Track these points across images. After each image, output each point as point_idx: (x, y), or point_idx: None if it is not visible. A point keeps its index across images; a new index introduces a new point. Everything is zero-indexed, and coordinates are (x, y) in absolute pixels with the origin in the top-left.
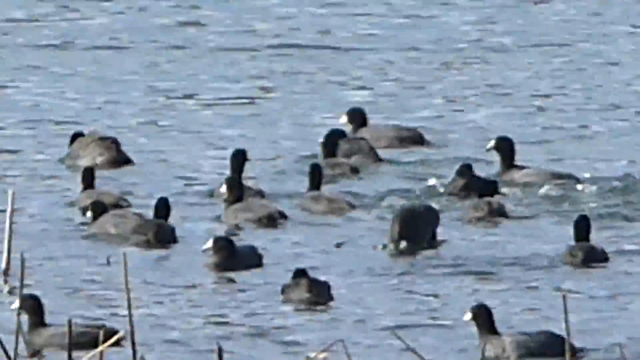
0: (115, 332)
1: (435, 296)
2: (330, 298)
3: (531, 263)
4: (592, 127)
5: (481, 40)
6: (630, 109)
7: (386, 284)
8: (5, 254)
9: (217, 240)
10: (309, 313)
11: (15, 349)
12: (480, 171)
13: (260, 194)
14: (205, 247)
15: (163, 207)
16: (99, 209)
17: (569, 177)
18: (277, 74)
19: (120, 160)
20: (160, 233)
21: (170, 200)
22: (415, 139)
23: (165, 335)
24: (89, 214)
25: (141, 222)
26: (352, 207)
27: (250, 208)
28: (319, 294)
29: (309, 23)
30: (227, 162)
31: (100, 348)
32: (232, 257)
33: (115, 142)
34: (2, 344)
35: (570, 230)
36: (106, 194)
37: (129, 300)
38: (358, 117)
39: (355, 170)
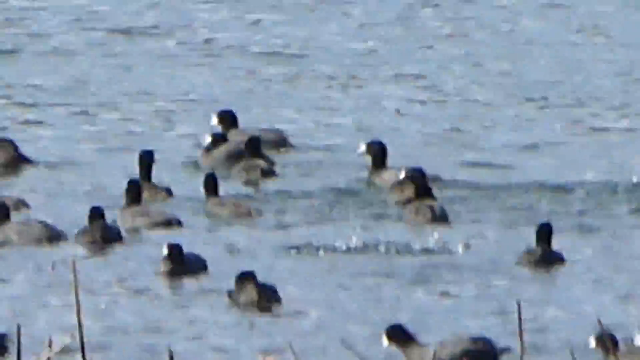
0: (4, 337)
1: (379, 301)
2: (279, 301)
3: (479, 267)
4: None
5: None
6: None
7: (329, 288)
8: None
9: (170, 247)
10: (257, 317)
11: None
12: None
13: (169, 192)
14: (164, 254)
15: (97, 215)
16: (1, 212)
17: (434, 178)
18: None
19: (19, 160)
20: (107, 233)
21: (69, 201)
22: (278, 141)
23: (115, 341)
24: None
25: (45, 229)
26: (258, 212)
27: (147, 212)
28: (269, 298)
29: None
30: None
31: (47, 354)
32: (183, 264)
33: (11, 143)
34: None
35: (515, 234)
36: (5, 198)
37: (78, 307)
38: (228, 119)
39: (269, 173)
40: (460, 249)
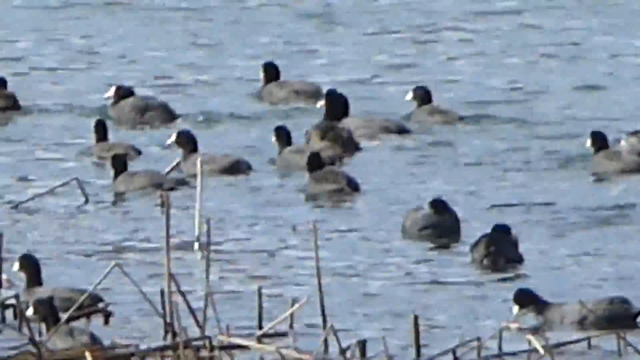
0: (100, 300)
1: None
2: (520, 257)
3: None
4: None
5: None
6: None
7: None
8: (197, 221)
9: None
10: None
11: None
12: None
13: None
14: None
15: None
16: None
17: (401, 130)
18: None
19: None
20: (352, 183)
21: None
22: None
23: (351, 301)
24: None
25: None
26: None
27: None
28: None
29: None
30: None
31: (288, 312)
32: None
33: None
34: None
35: None
36: (117, 145)
37: (318, 268)
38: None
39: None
40: None
